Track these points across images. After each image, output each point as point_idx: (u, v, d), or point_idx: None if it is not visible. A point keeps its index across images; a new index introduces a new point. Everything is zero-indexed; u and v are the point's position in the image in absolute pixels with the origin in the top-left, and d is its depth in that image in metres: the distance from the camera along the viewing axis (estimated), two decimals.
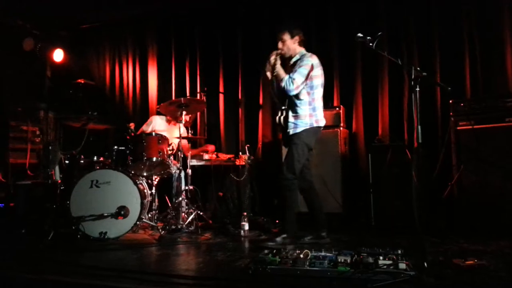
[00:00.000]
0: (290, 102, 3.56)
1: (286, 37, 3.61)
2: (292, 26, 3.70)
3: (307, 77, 3.48)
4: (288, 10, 5.45)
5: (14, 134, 5.85)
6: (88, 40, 6.77)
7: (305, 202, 3.76)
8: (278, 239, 3.42)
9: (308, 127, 3.52)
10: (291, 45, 3.62)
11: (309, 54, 3.62)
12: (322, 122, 3.63)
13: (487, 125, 3.81)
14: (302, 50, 3.67)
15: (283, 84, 3.48)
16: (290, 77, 3.45)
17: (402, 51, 4.80)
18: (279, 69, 3.55)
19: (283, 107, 3.60)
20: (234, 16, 5.77)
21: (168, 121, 5.14)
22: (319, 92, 3.59)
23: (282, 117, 3.61)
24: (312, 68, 3.50)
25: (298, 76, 3.45)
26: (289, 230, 3.49)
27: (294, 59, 3.64)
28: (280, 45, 3.64)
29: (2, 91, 5.99)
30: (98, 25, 6.54)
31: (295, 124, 3.54)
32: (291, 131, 3.55)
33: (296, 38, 3.62)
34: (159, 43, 6.30)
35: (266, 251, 2.81)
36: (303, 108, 3.53)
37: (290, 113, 3.56)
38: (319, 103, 3.60)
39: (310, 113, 3.54)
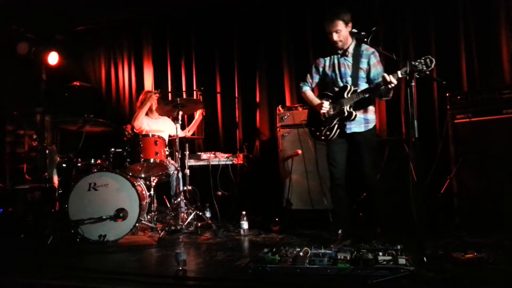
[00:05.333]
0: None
1: (341, 26, 3.12)
2: (343, 11, 3.14)
3: None
4: (284, 9, 5.44)
5: (10, 138, 5.85)
6: (83, 43, 6.72)
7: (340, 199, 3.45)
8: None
9: (374, 123, 3.32)
10: (346, 33, 3.15)
11: (365, 46, 3.17)
12: None
13: (484, 117, 3.79)
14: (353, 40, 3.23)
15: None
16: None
17: (398, 46, 4.79)
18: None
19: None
20: (229, 15, 5.74)
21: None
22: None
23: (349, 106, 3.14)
24: None
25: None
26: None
27: (350, 50, 3.22)
28: (336, 37, 3.14)
29: None
30: (93, 27, 6.51)
31: (366, 120, 3.25)
32: (363, 127, 3.25)
33: (350, 25, 3.15)
34: (155, 43, 6.27)
35: (265, 250, 2.81)
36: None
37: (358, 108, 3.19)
38: None
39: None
